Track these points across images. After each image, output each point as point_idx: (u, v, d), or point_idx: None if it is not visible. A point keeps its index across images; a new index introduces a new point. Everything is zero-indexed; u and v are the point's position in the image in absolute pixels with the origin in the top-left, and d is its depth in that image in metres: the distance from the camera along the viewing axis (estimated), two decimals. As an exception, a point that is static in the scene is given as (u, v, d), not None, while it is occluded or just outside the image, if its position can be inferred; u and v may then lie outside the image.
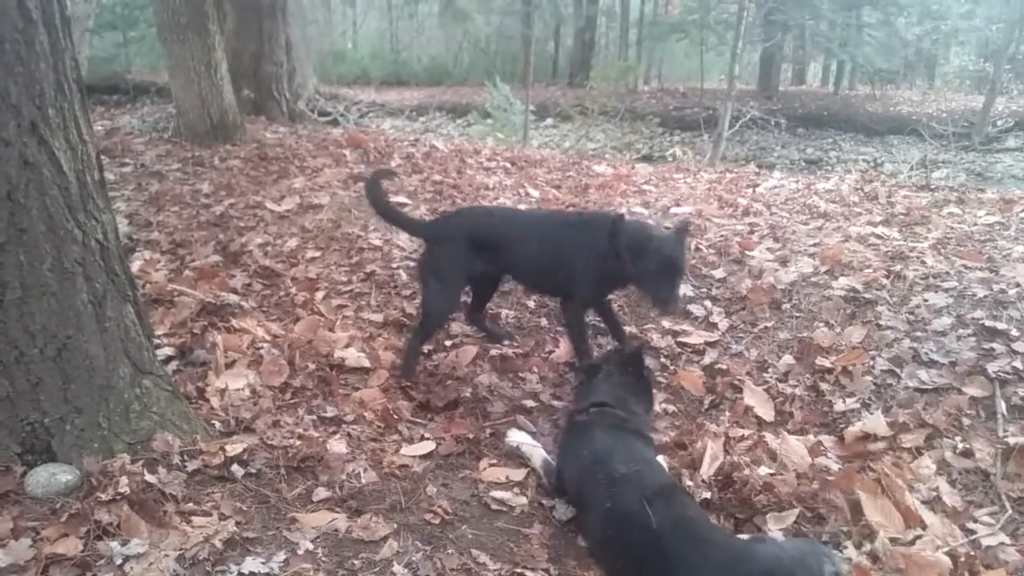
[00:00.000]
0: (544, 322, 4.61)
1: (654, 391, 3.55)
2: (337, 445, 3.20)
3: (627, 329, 4.39)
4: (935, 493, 2.91)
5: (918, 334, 3.87)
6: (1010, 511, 2.82)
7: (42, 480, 2.57)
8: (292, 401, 3.55)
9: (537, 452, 3.28)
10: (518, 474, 3.18)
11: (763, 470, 3.09)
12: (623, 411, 3.15)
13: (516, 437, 3.39)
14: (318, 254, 5.18)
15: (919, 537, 2.69)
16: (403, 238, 5.41)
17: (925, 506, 2.85)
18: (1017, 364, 3.48)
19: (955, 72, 30.75)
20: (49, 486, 2.57)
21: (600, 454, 2.88)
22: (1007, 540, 2.68)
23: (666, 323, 4.43)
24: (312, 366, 3.80)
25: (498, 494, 3.03)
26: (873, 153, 19.70)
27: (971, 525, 2.78)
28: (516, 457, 3.32)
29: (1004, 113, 20.78)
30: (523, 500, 3.01)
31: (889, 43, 24.01)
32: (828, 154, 20.06)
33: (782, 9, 20.80)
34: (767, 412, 3.65)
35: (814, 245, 5.02)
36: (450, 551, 2.64)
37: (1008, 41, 22.97)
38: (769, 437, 3.33)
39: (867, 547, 2.66)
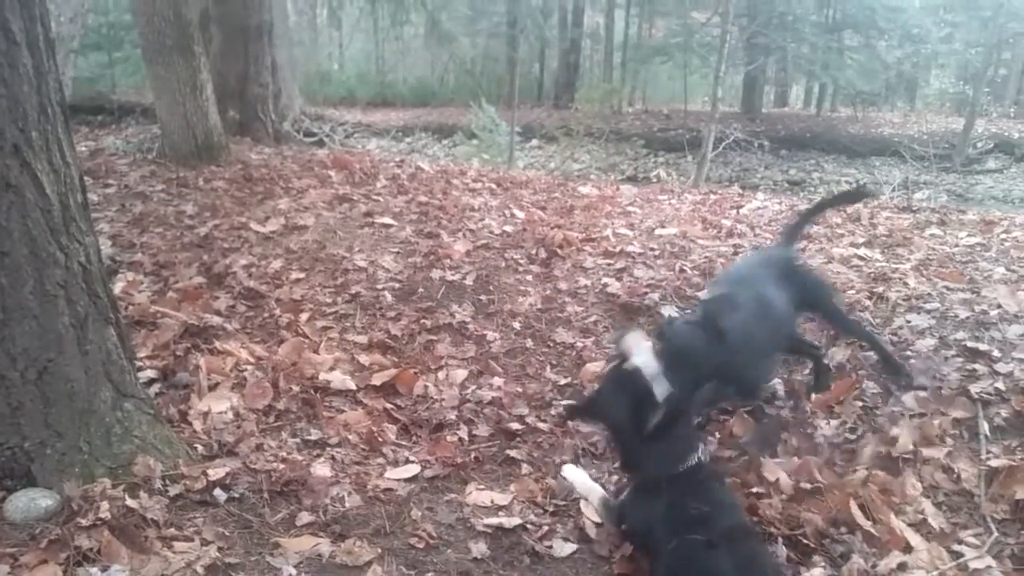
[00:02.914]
0: (529, 343, 4.59)
1: None
2: (321, 468, 3.18)
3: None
4: (921, 515, 2.91)
5: (901, 355, 3.89)
6: (996, 533, 2.83)
7: (21, 505, 2.54)
8: (276, 424, 3.52)
9: (595, 490, 3.10)
10: (503, 498, 3.16)
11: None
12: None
13: (572, 475, 3.22)
14: (303, 275, 5.16)
15: (903, 565, 2.69)
16: (388, 260, 5.41)
17: (911, 528, 2.85)
18: (999, 385, 3.50)
19: (935, 95, 31.11)
20: (28, 511, 2.53)
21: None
22: (993, 564, 2.68)
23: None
24: (296, 388, 3.77)
25: (484, 520, 3.01)
26: (855, 174, 19.88)
27: (957, 547, 2.78)
28: (564, 489, 3.22)
29: (984, 135, 21.04)
30: (511, 524, 3.00)
31: (870, 66, 24.36)
32: (811, 175, 20.26)
33: (764, 32, 21.06)
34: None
35: (798, 266, 5.05)
36: (435, 576, 2.62)
37: (987, 64, 23.34)
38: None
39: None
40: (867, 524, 2.84)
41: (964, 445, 3.27)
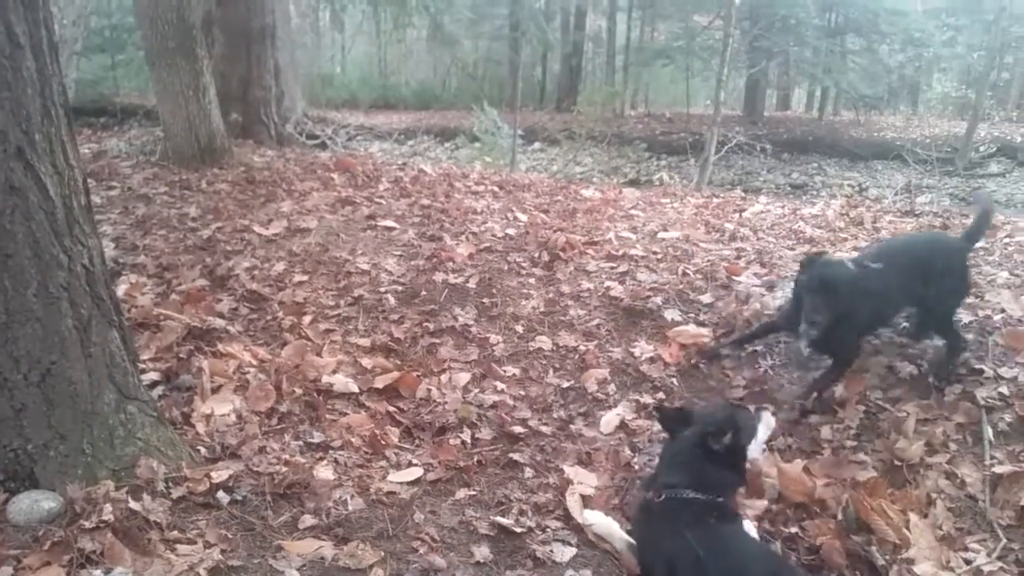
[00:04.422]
0: (532, 346, 4.58)
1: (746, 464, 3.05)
2: (324, 471, 3.17)
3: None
4: (925, 520, 2.91)
5: (907, 357, 3.88)
6: (1004, 540, 2.82)
7: (24, 507, 2.54)
8: (278, 427, 3.52)
9: (616, 532, 2.99)
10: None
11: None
12: (703, 493, 2.75)
13: (591, 517, 3.09)
14: (305, 278, 5.16)
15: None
16: (390, 263, 5.41)
17: (916, 532, 2.85)
18: (1003, 390, 3.50)
19: (938, 98, 31.11)
20: (31, 513, 2.53)
21: (694, 548, 2.52)
22: (1005, 569, 2.67)
23: (649, 347, 4.42)
24: (299, 391, 3.76)
25: (489, 521, 3.01)
26: (858, 178, 19.88)
27: (964, 554, 2.77)
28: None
29: (986, 139, 20.99)
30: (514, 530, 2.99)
31: (873, 69, 24.40)
32: (813, 179, 20.25)
33: (767, 36, 21.10)
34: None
35: (801, 270, 5.04)
36: (438, 579, 2.62)
37: (989, 68, 23.30)
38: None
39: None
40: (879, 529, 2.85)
41: (968, 450, 3.27)
